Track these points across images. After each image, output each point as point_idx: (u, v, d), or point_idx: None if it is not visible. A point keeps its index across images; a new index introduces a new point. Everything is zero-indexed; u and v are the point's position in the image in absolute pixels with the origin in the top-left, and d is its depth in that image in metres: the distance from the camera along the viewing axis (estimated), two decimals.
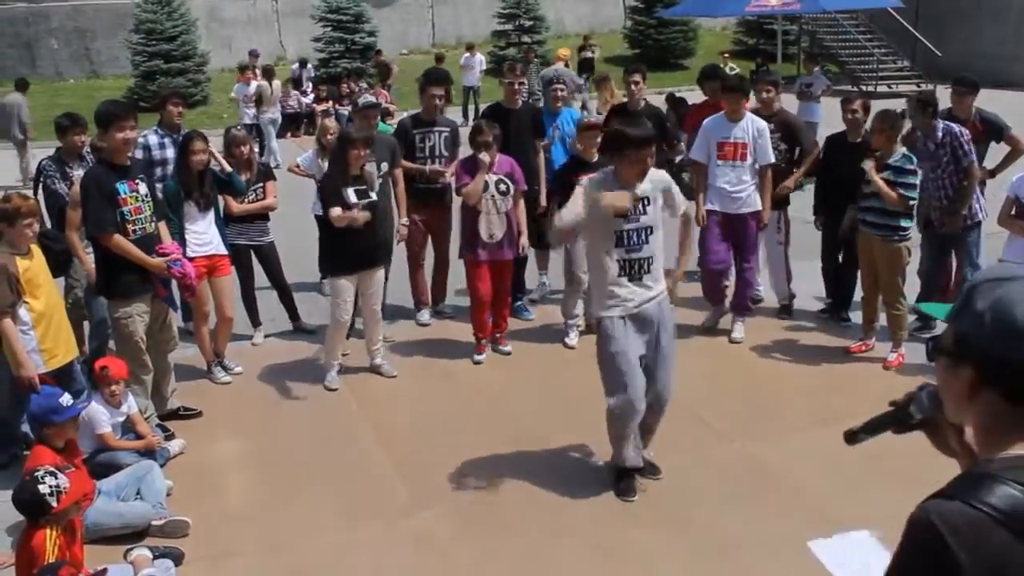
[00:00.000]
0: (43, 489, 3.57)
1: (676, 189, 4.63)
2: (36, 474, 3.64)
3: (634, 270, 4.41)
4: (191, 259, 5.84)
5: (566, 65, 14.56)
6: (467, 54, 19.51)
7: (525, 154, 6.95)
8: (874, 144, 6.03)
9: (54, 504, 3.56)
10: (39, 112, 15.38)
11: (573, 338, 6.73)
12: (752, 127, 6.51)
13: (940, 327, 6.32)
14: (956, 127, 6.32)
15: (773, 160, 6.57)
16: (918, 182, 5.96)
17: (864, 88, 21.38)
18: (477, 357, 6.49)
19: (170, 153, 6.65)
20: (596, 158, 6.34)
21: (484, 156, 6.11)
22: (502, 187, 6.24)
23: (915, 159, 5.99)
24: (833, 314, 7.04)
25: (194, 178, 6.03)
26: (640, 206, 4.37)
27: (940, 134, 6.29)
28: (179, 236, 5.94)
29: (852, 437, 1.85)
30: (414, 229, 6.93)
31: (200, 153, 5.99)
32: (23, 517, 3.70)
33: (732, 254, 6.75)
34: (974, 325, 1.42)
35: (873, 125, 6.05)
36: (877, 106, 6.69)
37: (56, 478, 3.61)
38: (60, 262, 5.79)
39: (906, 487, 4.49)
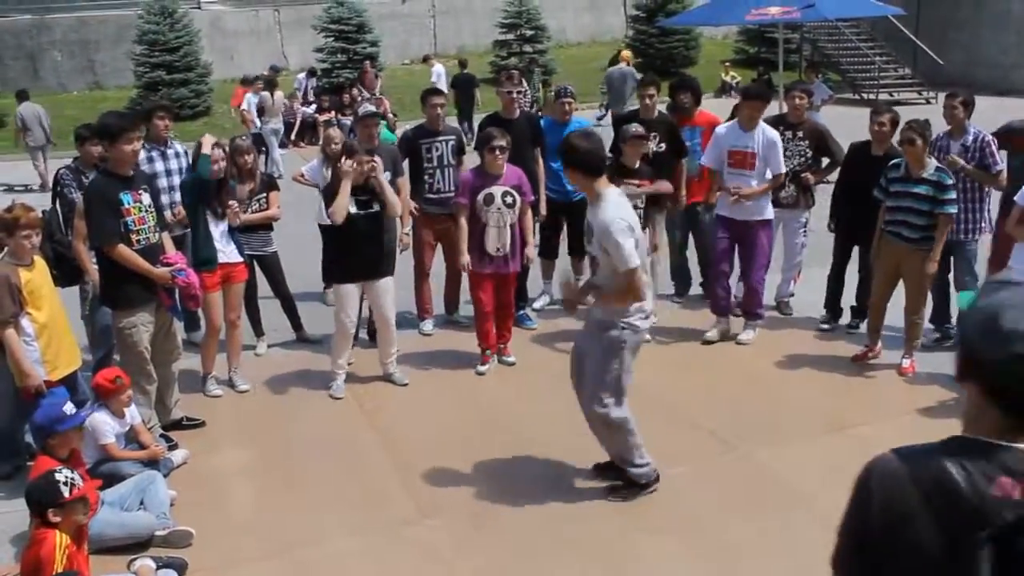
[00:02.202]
0: (59, 478, 3.64)
1: None
2: (53, 469, 3.75)
3: None
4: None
5: (627, 64, 15.07)
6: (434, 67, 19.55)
7: (525, 164, 6.96)
8: (907, 157, 5.81)
9: (65, 494, 3.60)
10: None
11: None
12: (763, 137, 6.49)
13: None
14: (987, 134, 6.17)
15: (783, 171, 6.58)
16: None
17: (864, 96, 21.42)
18: (480, 368, 6.46)
19: (159, 167, 6.57)
20: (637, 165, 6.51)
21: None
22: (508, 199, 6.20)
23: (949, 174, 5.83)
24: (836, 320, 6.98)
25: (211, 185, 6.02)
26: None
27: (971, 137, 6.16)
28: (194, 233, 5.94)
29: None
30: (423, 240, 6.93)
31: (219, 160, 6.01)
32: (28, 529, 3.70)
33: (739, 262, 6.76)
34: (969, 323, 1.58)
35: (905, 134, 5.76)
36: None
37: (72, 474, 3.72)
38: (75, 270, 5.82)
39: None
